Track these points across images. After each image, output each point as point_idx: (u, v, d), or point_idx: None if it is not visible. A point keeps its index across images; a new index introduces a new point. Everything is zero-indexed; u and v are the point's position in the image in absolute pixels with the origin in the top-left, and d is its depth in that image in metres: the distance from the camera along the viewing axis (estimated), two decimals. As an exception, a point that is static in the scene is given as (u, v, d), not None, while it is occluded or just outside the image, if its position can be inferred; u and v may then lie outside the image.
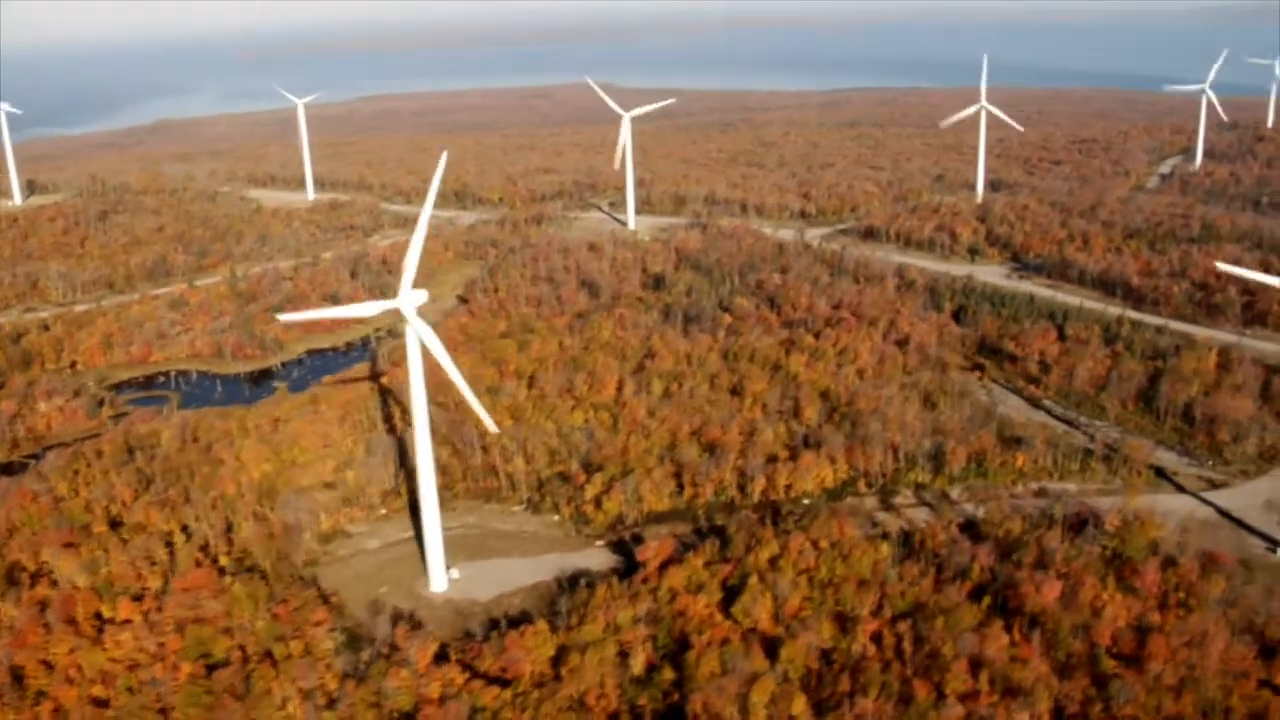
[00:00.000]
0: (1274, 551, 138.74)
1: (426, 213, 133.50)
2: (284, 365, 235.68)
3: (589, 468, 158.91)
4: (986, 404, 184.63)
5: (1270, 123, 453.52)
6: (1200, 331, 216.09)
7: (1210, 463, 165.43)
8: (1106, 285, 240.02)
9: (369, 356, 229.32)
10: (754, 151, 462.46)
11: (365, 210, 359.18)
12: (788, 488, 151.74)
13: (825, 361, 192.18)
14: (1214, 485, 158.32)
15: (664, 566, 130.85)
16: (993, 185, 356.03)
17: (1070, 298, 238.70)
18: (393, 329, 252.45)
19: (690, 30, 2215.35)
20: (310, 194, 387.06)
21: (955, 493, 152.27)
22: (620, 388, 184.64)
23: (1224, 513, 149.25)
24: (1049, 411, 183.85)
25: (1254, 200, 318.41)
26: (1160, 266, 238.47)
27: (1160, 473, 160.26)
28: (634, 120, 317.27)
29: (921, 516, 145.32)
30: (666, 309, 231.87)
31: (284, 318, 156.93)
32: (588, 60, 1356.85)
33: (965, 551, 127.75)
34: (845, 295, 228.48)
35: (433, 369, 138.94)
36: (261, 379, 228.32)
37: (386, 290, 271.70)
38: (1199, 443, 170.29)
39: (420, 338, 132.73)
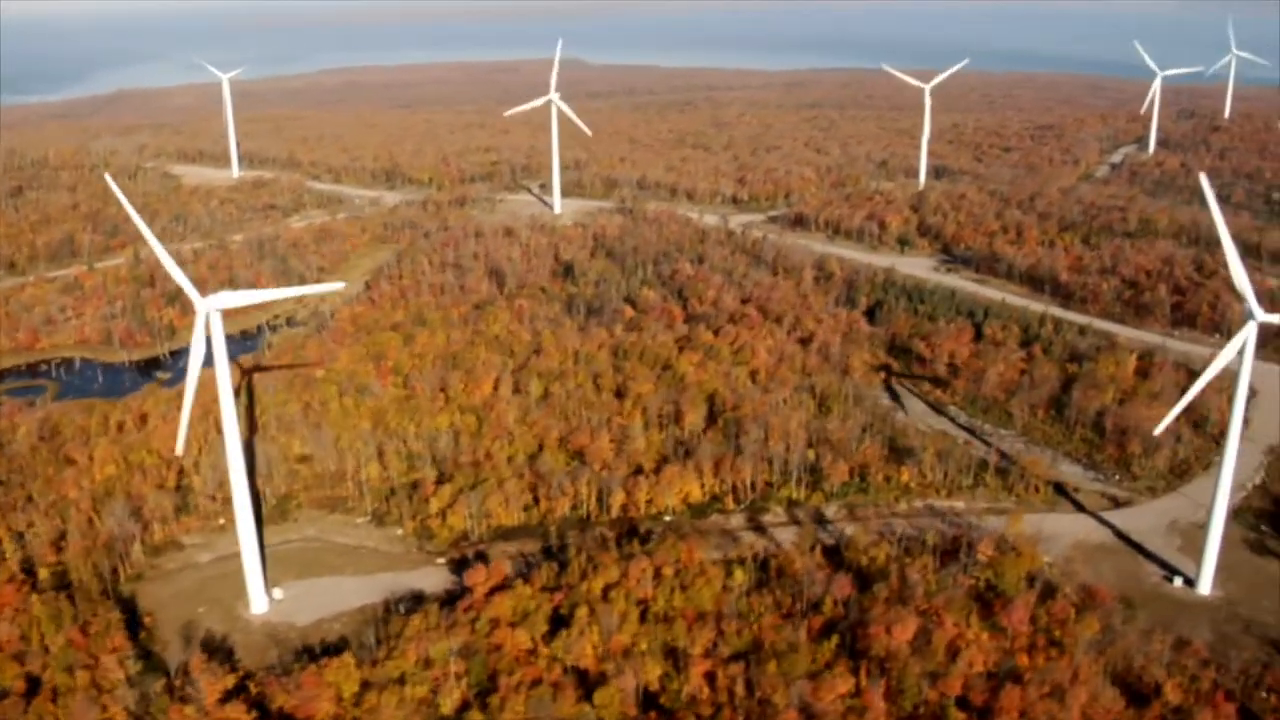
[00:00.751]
0: (1171, 580, 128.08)
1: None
2: (172, 354, 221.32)
3: (440, 478, 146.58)
4: (886, 410, 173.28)
5: (1227, 113, 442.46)
6: (1127, 333, 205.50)
7: (1117, 478, 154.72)
8: (1035, 281, 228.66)
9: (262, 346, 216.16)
10: (704, 133, 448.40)
11: (290, 189, 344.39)
12: (649, 503, 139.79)
13: (719, 361, 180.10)
14: (1117, 504, 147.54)
15: (494, 592, 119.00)
16: (937, 172, 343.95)
17: (996, 293, 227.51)
18: (292, 317, 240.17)
19: (670, 7, 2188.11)
20: (235, 171, 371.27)
21: (831, 510, 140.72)
22: (496, 387, 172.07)
23: (1123, 535, 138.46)
24: (952, 419, 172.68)
25: (1201, 192, 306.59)
26: (1091, 262, 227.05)
27: (1060, 489, 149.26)
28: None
29: (789, 537, 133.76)
30: (570, 300, 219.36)
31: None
32: (562, 35, 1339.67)
33: (822, 582, 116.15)
34: (758, 288, 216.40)
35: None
36: (149, 368, 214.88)
37: (291, 275, 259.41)
38: (1107, 455, 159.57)
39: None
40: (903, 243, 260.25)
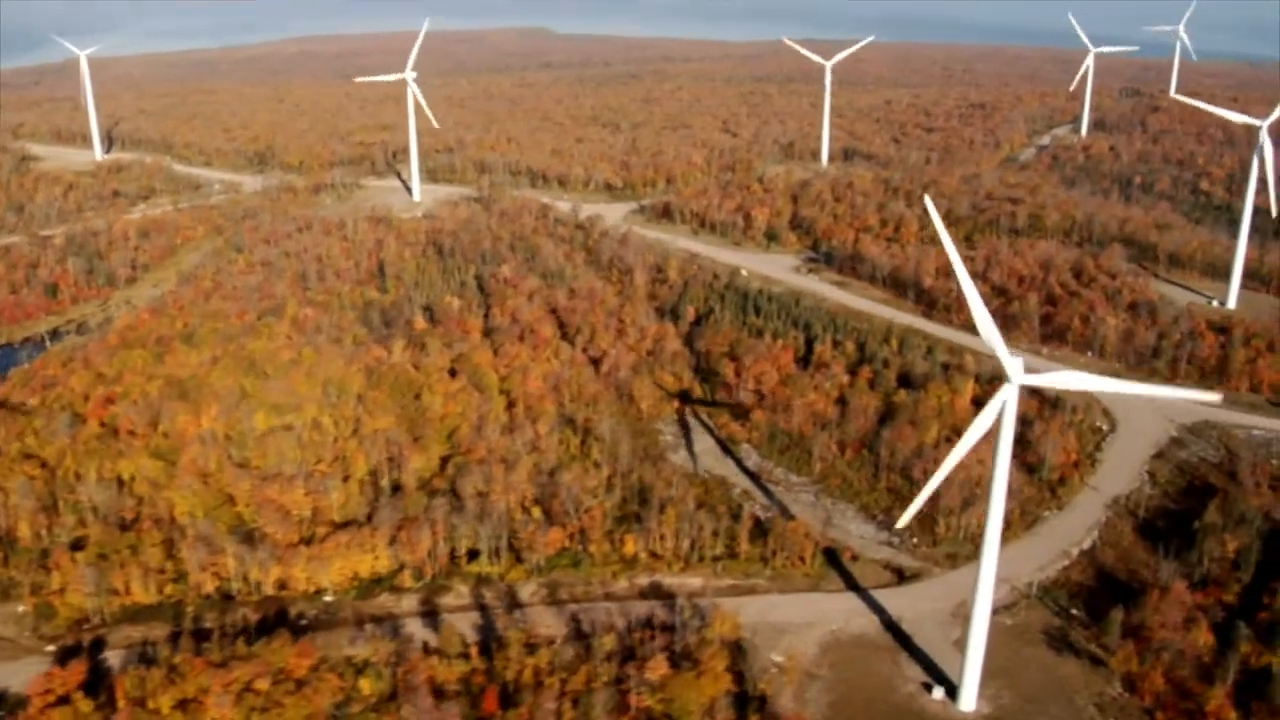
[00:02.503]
0: (930, 691, 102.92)
1: None
2: None
3: (78, 541, 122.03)
4: (662, 450, 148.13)
5: (1173, 90, 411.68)
6: (986, 348, 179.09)
7: (914, 541, 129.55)
8: (899, 284, 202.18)
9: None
10: (625, 109, 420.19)
11: (146, 174, 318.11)
12: (309, 579, 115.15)
13: (486, 390, 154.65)
14: (902, 577, 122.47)
15: (56, 704, 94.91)
16: (847, 154, 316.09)
17: (855, 299, 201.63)
18: (84, 322, 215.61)
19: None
20: (98, 154, 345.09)
21: (529, 590, 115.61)
22: (199, 423, 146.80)
23: (892, 625, 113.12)
24: (739, 461, 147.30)
25: (1125, 180, 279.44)
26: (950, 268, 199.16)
27: (833, 559, 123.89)
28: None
29: (469, 625, 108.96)
30: (366, 308, 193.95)
31: None
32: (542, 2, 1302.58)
33: (430, 712, 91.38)
34: (572, 296, 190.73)
35: None
36: None
37: (97, 275, 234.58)
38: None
39: None
40: (770, 237, 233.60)
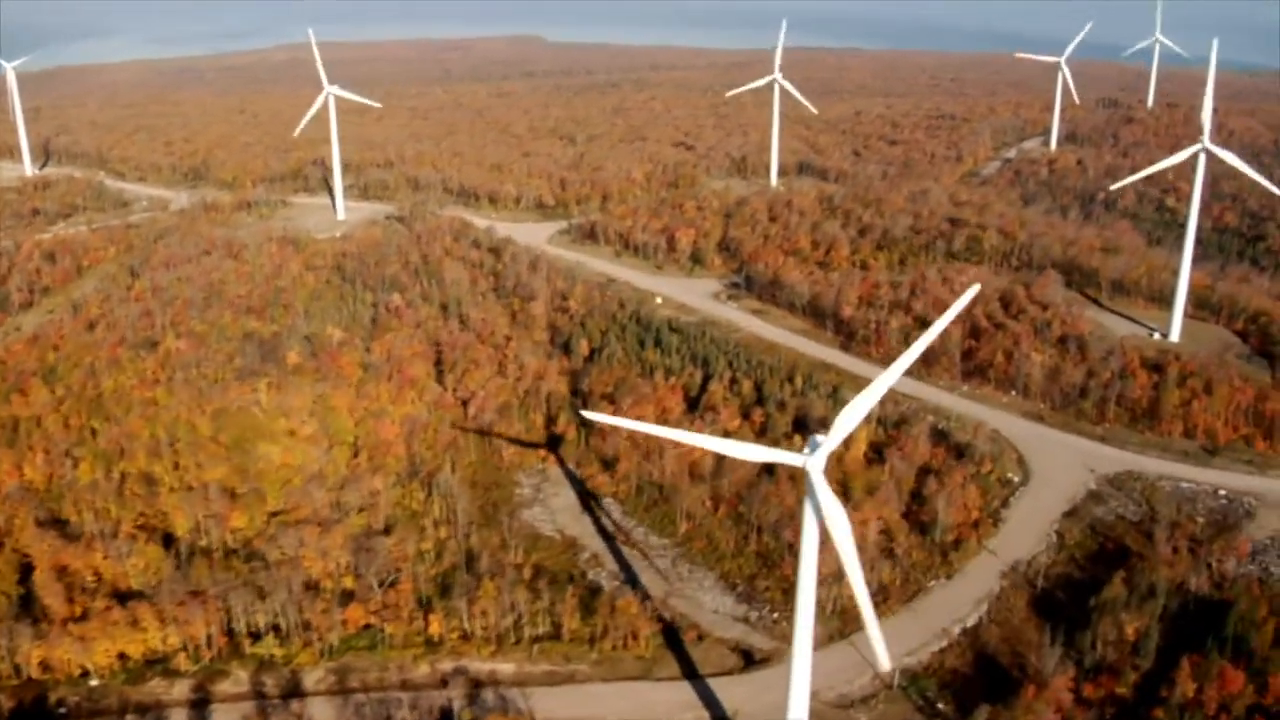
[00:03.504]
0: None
1: None
2: None
3: None
4: (515, 507, 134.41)
5: (1150, 100, 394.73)
6: (905, 386, 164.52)
7: (775, 616, 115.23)
8: (819, 314, 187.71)
9: None
10: (587, 121, 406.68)
11: (79, 190, 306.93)
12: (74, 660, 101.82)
13: (335, 436, 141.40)
14: (750, 661, 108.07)
15: None
16: (801, 169, 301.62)
17: (771, 330, 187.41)
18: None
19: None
20: (27, 169, 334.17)
21: (315, 677, 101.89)
22: (20, 474, 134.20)
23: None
24: (596, 519, 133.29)
25: (1088, 195, 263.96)
26: (886, 293, 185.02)
27: (671, 637, 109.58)
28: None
29: (238, 718, 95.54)
30: (245, 340, 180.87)
31: None
32: (537, 9, 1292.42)
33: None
34: (459, 327, 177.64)
35: None
36: None
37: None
38: (776, 579, 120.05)
39: None
40: (695, 261, 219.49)
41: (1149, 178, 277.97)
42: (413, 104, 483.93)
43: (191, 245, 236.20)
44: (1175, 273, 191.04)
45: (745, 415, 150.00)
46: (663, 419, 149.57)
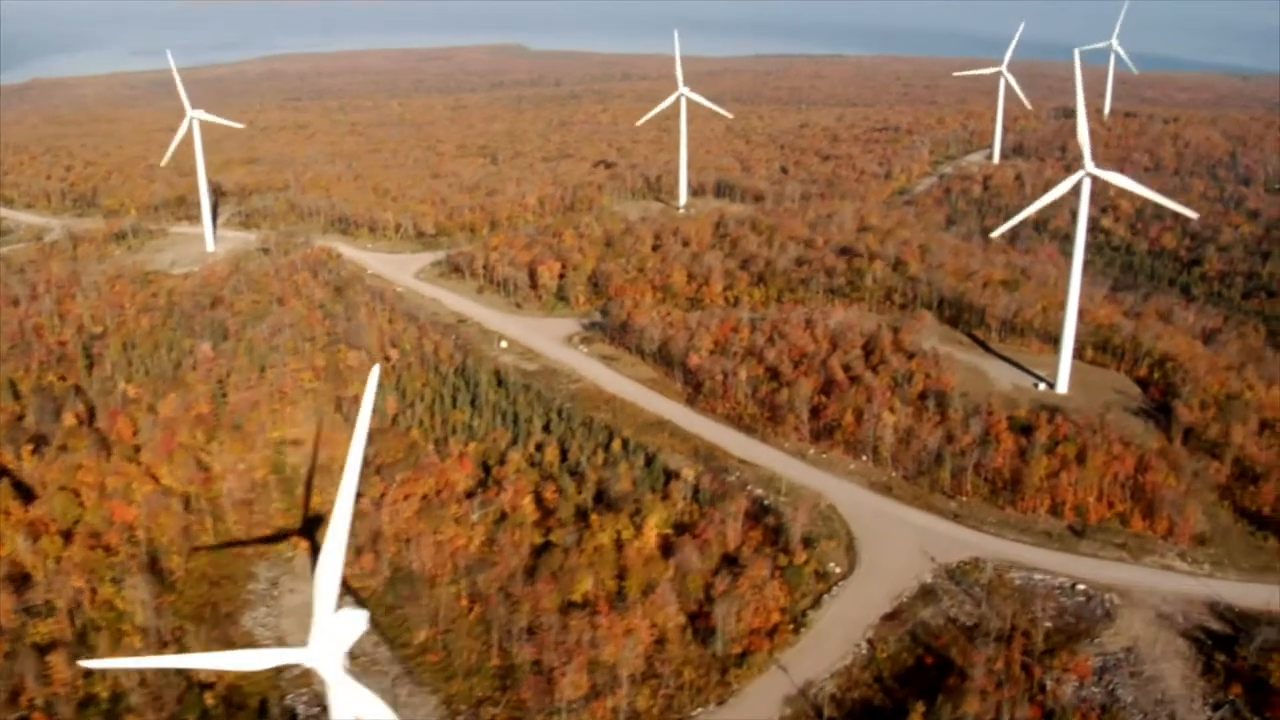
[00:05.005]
0: None
1: None
2: None
3: None
4: (239, 605, 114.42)
5: (1108, 109, 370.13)
6: (748, 448, 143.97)
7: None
8: (669, 361, 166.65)
9: None
10: (523, 136, 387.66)
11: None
12: None
13: (60, 521, 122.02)
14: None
15: None
16: (719, 190, 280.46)
17: (617, 380, 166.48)
18: None
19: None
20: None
21: None
22: None
23: None
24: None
25: (1008, 219, 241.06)
26: (743, 338, 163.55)
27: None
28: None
29: None
30: (37, 396, 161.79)
31: None
32: (528, 15, 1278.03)
33: None
34: (269, 379, 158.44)
35: None
36: None
37: None
38: (507, 707, 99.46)
39: None
40: (560, 297, 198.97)
41: (1091, 193, 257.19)
42: (361, 118, 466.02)
43: (20, 285, 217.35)
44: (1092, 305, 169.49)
45: (537, 491, 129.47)
46: (442, 495, 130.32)
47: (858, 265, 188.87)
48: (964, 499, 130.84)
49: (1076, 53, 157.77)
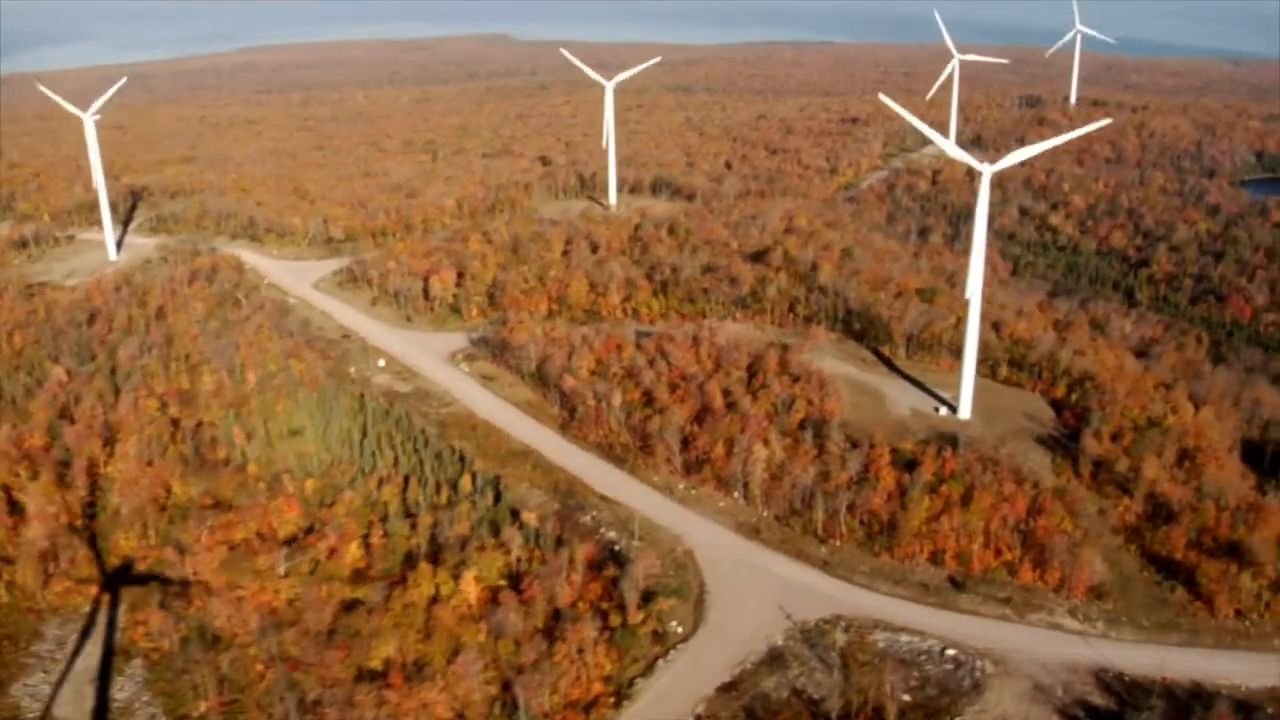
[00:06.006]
0: None
1: None
2: None
3: None
4: (12, 672, 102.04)
5: (1074, 97, 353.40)
6: (612, 480, 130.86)
7: None
8: (546, 382, 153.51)
9: None
10: (474, 130, 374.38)
11: None
12: None
13: None
14: None
15: None
16: (655, 187, 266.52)
17: (493, 404, 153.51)
18: None
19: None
20: None
21: None
22: None
23: None
24: (103, 696, 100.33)
25: (963, 214, 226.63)
26: (626, 357, 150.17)
27: None
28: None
29: None
30: None
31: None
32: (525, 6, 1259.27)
33: None
34: (108, 406, 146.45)
35: None
36: None
37: None
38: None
39: None
40: (454, 310, 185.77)
41: (1043, 188, 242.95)
42: (318, 113, 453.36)
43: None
44: (1018, 313, 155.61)
45: (367, 536, 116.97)
46: (258, 542, 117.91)
47: (764, 274, 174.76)
48: (837, 544, 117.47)
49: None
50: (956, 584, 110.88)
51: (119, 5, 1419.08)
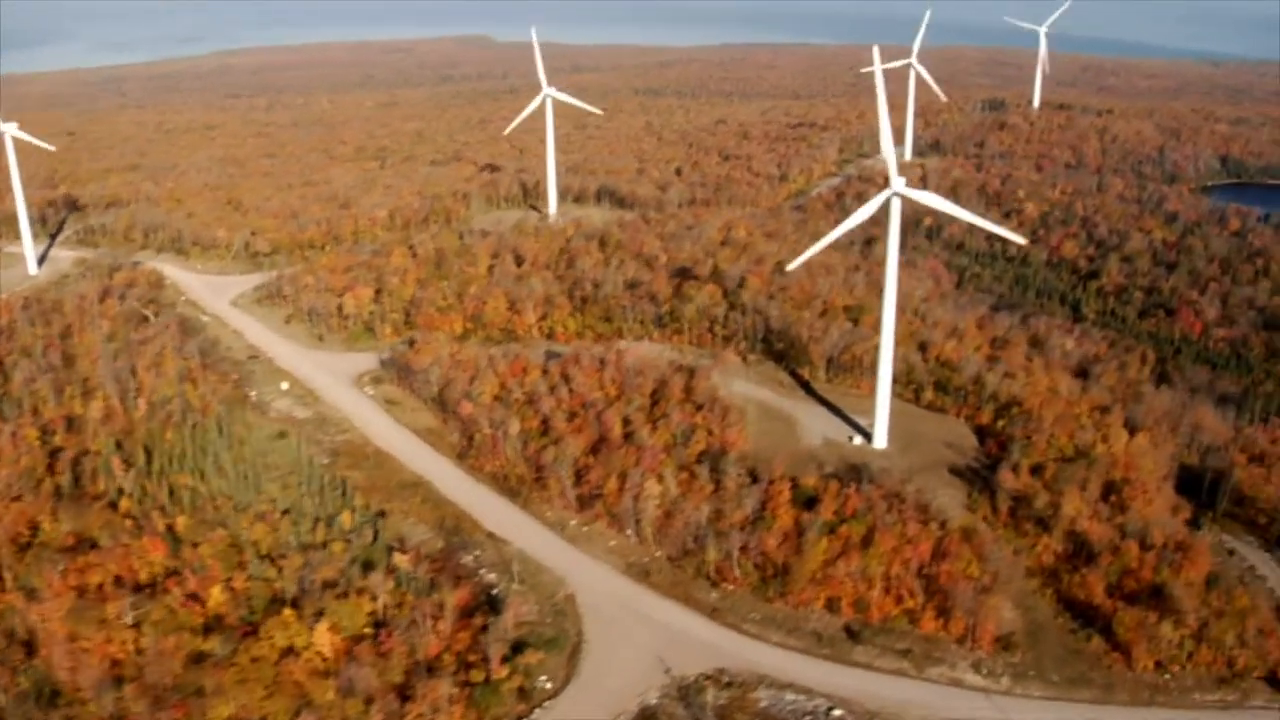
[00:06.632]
0: None
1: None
2: None
3: None
4: None
5: (1037, 100, 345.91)
6: (499, 516, 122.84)
7: None
8: (447, 407, 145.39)
9: None
10: (430, 137, 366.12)
11: None
12: None
13: None
14: None
15: None
16: (599, 195, 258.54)
17: (392, 430, 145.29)
18: None
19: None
20: None
21: None
22: None
23: None
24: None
25: (911, 223, 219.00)
26: (530, 382, 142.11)
27: None
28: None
29: None
30: None
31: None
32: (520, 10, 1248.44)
33: None
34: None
35: None
36: None
37: None
38: None
39: None
40: (369, 329, 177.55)
41: (997, 195, 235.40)
42: (278, 118, 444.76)
43: None
44: (952, 332, 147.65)
45: (229, 582, 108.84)
46: (122, 583, 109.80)
47: (686, 290, 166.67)
48: (730, 588, 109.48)
49: (876, 50, 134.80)
50: (852, 634, 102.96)
51: (101, 5, 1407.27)
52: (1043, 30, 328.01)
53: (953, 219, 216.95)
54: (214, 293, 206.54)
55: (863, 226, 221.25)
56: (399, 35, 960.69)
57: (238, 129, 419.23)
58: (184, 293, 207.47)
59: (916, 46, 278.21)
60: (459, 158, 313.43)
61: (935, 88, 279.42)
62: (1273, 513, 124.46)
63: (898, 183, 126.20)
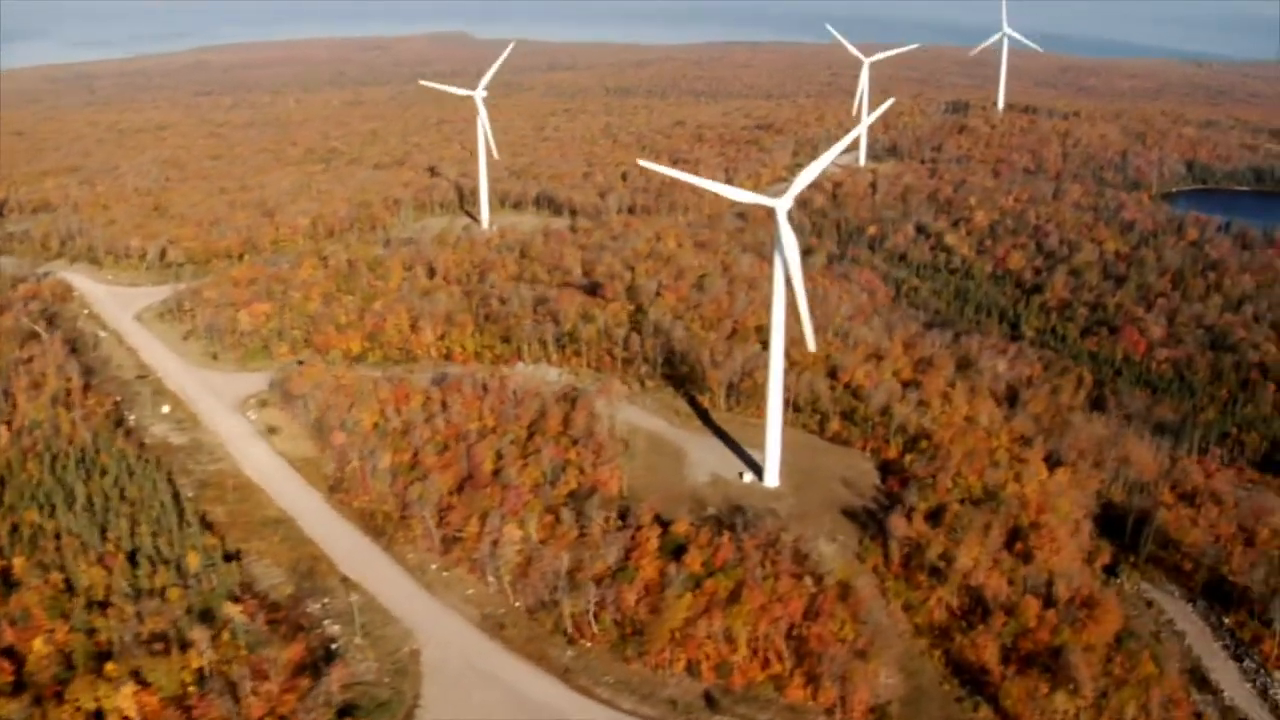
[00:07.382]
0: None
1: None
2: None
3: None
4: None
5: (1001, 102, 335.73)
6: (361, 561, 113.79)
7: None
8: (325, 436, 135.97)
9: None
10: (385, 137, 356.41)
11: None
12: None
13: None
14: None
15: None
16: (539, 202, 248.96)
17: (266, 461, 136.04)
18: None
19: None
20: None
21: None
22: None
23: None
24: None
25: (854, 231, 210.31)
26: (412, 408, 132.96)
27: None
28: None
29: None
30: None
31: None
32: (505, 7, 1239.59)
33: None
34: None
35: None
36: None
37: None
38: None
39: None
40: (266, 347, 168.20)
41: (948, 202, 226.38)
42: (236, 117, 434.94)
43: None
44: (873, 352, 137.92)
45: (52, 634, 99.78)
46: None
47: (591, 308, 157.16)
48: (587, 645, 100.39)
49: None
50: (711, 701, 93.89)
51: (80, 4, 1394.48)
52: (1004, 32, 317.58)
53: (898, 226, 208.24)
54: (120, 306, 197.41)
55: (803, 236, 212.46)
56: (380, 32, 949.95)
57: (187, 130, 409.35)
58: (89, 306, 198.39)
59: (862, 56, 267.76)
60: (404, 161, 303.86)
61: (865, 96, 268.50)
62: (1199, 558, 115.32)
63: (783, 204, 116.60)
